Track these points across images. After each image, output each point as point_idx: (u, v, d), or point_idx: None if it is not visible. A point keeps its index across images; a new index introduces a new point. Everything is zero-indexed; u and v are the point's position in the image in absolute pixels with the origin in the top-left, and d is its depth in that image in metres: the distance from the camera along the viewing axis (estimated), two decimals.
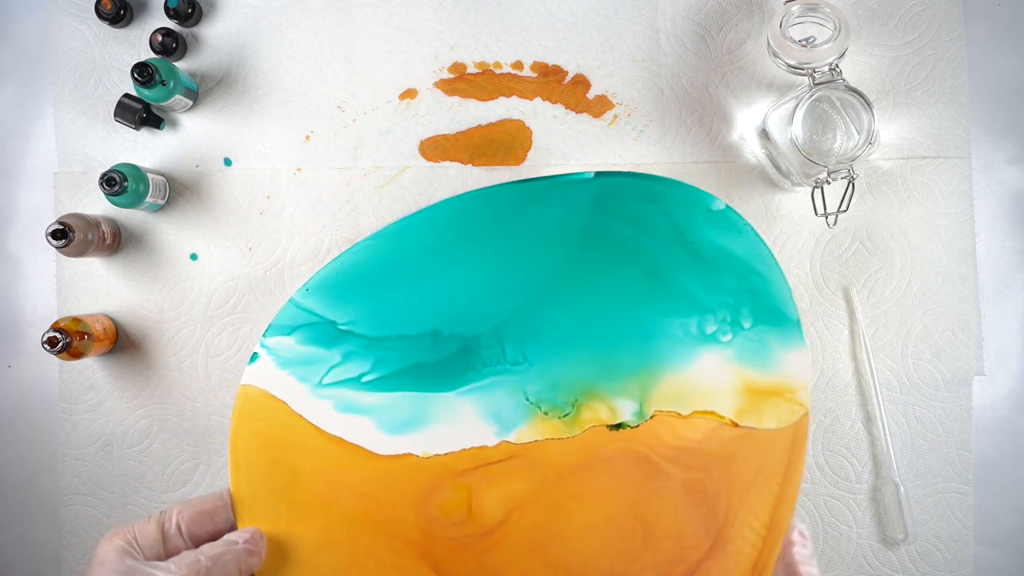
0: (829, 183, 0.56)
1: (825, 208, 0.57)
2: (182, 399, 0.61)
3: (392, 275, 0.51)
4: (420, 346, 0.50)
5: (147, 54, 0.61)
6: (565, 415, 0.49)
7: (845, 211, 0.56)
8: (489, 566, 0.47)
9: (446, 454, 0.48)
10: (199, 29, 0.62)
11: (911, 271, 0.61)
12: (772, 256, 0.51)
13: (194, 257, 0.61)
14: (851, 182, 0.55)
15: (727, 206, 0.51)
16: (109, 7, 0.59)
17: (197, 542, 0.44)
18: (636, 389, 0.49)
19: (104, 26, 0.61)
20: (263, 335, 0.49)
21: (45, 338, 0.54)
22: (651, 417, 0.49)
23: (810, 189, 0.57)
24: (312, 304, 0.50)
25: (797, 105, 0.54)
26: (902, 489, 0.60)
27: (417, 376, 0.49)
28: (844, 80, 0.55)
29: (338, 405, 0.48)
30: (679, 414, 0.49)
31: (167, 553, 0.42)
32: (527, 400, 0.49)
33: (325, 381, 0.49)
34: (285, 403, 0.48)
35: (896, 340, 0.61)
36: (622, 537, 0.47)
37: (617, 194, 0.51)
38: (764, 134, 0.59)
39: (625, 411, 0.49)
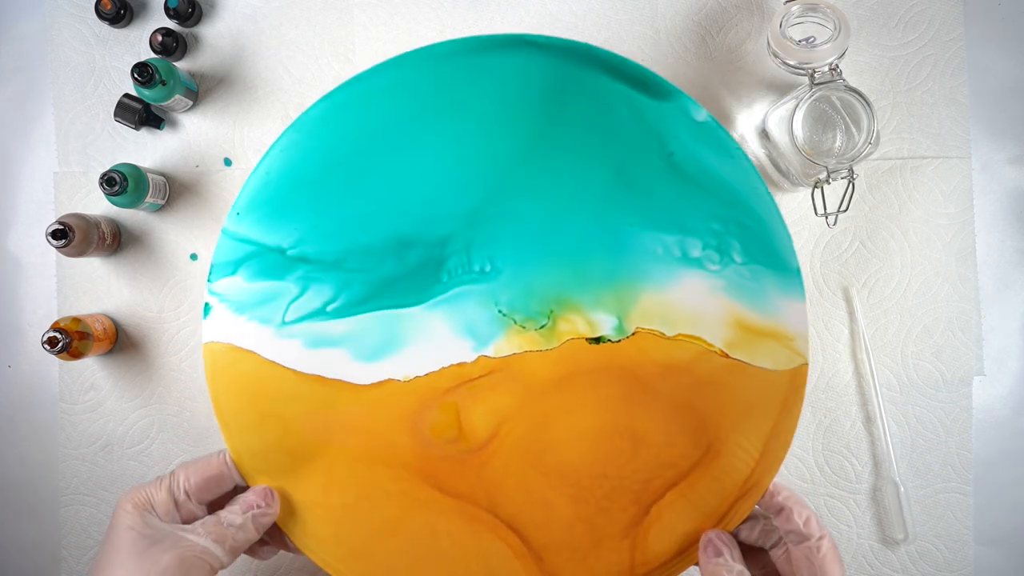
0: (829, 183, 0.56)
1: (825, 208, 0.57)
2: (182, 399, 0.61)
3: (330, 175, 0.47)
4: (384, 258, 0.47)
5: (147, 54, 0.61)
6: (541, 327, 0.47)
7: (845, 211, 0.56)
8: (488, 479, 0.47)
9: (427, 374, 0.47)
10: (199, 29, 0.62)
11: (911, 271, 0.61)
12: (768, 193, 0.46)
13: (194, 257, 0.61)
14: (851, 182, 0.55)
15: (711, 117, 0.46)
16: (109, 7, 0.59)
17: (208, 505, 0.46)
18: (613, 303, 0.47)
19: (104, 26, 0.61)
20: (208, 279, 0.47)
21: (45, 338, 0.54)
22: (633, 333, 0.47)
23: (810, 189, 0.57)
24: (247, 230, 0.47)
25: (797, 105, 0.54)
26: (902, 489, 0.60)
27: (384, 294, 0.47)
28: (844, 80, 0.54)
29: (308, 341, 0.47)
30: (663, 334, 0.47)
31: (182, 519, 0.44)
32: (500, 312, 0.47)
33: (287, 318, 0.47)
34: (254, 352, 0.47)
35: (896, 340, 0.61)
36: (612, 445, 0.47)
37: (577, 70, 0.47)
38: (764, 134, 0.58)
39: (604, 325, 0.47)
